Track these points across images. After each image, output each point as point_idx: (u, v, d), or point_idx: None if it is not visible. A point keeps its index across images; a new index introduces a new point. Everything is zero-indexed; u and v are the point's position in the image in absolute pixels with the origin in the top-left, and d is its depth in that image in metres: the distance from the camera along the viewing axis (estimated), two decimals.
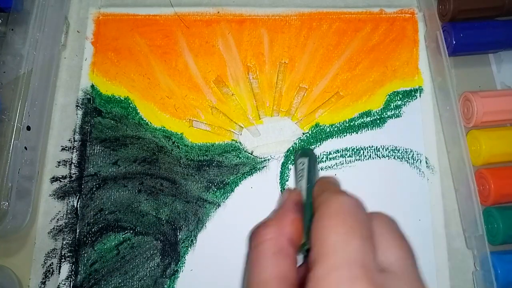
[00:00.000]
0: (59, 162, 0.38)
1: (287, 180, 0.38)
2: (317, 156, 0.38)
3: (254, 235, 0.24)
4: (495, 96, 0.38)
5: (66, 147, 0.39)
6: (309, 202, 0.26)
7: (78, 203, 0.37)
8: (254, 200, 0.37)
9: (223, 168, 0.38)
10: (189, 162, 0.38)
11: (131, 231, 0.36)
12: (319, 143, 0.39)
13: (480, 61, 0.41)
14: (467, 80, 0.41)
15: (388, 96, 0.40)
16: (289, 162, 0.38)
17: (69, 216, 0.37)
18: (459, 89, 0.38)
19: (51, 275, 0.36)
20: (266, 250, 0.23)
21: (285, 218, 0.25)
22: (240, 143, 0.39)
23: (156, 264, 0.36)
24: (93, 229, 0.36)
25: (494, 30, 0.39)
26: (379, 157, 0.38)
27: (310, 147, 0.38)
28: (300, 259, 0.26)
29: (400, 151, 0.38)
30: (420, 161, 0.38)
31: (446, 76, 0.37)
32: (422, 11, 0.41)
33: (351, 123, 0.39)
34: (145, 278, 0.35)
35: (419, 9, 0.41)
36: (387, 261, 0.20)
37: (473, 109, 0.37)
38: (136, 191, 0.37)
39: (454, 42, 0.38)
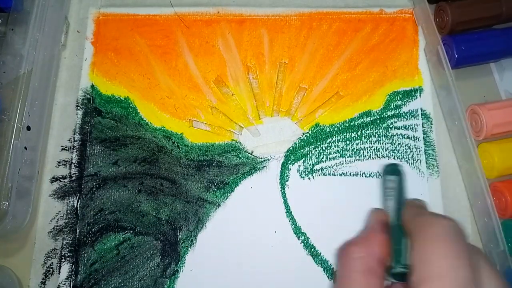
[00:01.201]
0: (59, 162, 0.38)
1: (287, 180, 0.38)
2: (319, 157, 0.38)
3: (343, 253, 0.24)
4: (502, 108, 0.37)
5: (66, 147, 0.39)
6: (398, 224, 0.26)
7: (78, 203, 0.37)
8: (254, 200, 0.37)
9: (223, 168, 0.38)
10: (189, 162, 0.38)
11: (131, 231, 0.36)
12: (319, 143, 0.39)
13: (482, 71, 0.41)
14: (471, 91, 0.40)
15: (388, 96, 0.40)
16: (289, 162, 0.38)
17: (69, 216, 0.37)
18: (463, 101, 0.37)
19: (51, 275, 0.36)
20: (356, 268, 0.23)
21: (374, 238, 0.24)
22: (240, 143, 0.39)
23: (156, 264, 0.36)
24: (93, 229, 0.36)
25: (494, 39, 0.39)
26: (379, 157, 0.38)
27: (398, 164, 0.37)
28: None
29: (400, 151, 0.38)
30: (420, 161, 0.38)
31: (451, 90, 0.37)
32: (420, 24, 0.41)
33: (351, 123, 0.39)
34: (145, 278, 0.35)
35: (417, 23, 0.41)
36: None
37: (482, 122, 0.37)
38: (136, 191, 0.37)
39: (456, 56, 0.38)
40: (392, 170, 0.29)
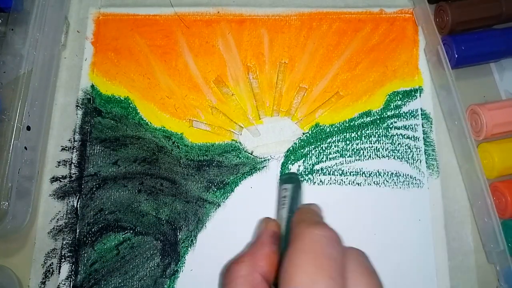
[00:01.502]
0: (59, 162, 0.38)
1: None
2: (319, 157, 0.38)
3: (227, 273, 0.23)
4: (502, 108, 0.37)
5: (66, 147, 0.39)
6: (286, 235, 0.24)
7: (78, 203, 0.37)
8: (254, 200, 0.37)
9: (223, 168, 0.38)
10: (189, 162, 0.38)
11: (131, 231, 0.36)
12: (319, 143, 0.39)
13: (481, 71, 0.41)
14: (471, 91, 0.40)
15: (388, 96, 0.40)
16: (289, 162, 0.38)
17: (69, 216, 0.37)
18: (463, 101, 0.37)
19: (51, 275, 0.36)
20: None
21: (259, 252, 0.23)
22: (240, 143, 0.39)
23: (156, 264, 0.36)
24: (93, 229, 0.36)
25: (494, 39, 0.39)
26: (379, 157, 0.38)
27: (295, 171, 0.35)
28: None
29: (400, 151, 0.38)
30: (420, 161, 0.38)
31: (451, 90, 0.37)
32: (420, 24, 0.41)
33: (351, 123, 0.39)
34: (145, 278, 0.35)
35: (417, 23, 0.41)
36: None
37: (482, 122, 0.37)
38: (136, 191, 0.37)
39: (456, 56, 0.38)
40: (288, 179, 0.28)
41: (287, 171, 0.38)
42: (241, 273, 0.23)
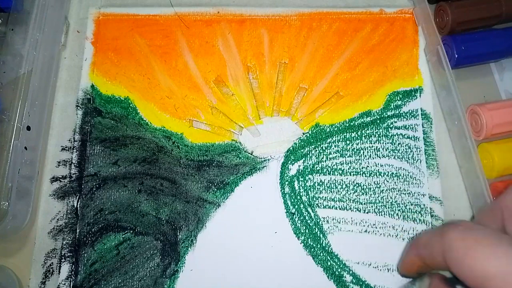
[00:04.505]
0: (59, 162, 0.38)
1: (287, 180, 0.38)
2: (319, 157, 0.38)
3: None
4: (503, 108, 0.37)
5: (66, 147, 0.39)
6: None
7: (78, 203, 0.37)
8: (254, 200, 0.37)
9: (223, 168, 0.38)
10: (189, 162, 0.38)
11: (131, 231, 0.36)
12: (319, 143, 0.39)
13: (481, 71, 0.41)
14: (471, 91, 0.40)
15: (388, 96, 0.40)
16: (289, 162, 0.38)
17: (69, 216, 0.37)
18: (463, 101, 0.37)
19: (51, 275, 0.36)
20: None
21: None
22: (240, 143, 0.39)
23: (156, 264, 0.36)
24: (93, 229, 0.36)
25: (495, 39, 0.39)
26: (379, 157, 0.38)
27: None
28: None
29: (400, 151, 0.38)
30: (420, 161, 0.38)
31: (451, 90, 0.37)
32: (420, 24, 0.41)
33: (351, 123, 0.39)
34: (145, 278, 0.35)
35: (417, 23, 0.41)
36: None
37: (482, 122, 0.37)
38: (136, 191, 0.37)
39: (457, 56, 0.38)
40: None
41: (287, 171, 0.38)
42: None
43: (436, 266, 0.25)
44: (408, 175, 0.38)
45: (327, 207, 0.37)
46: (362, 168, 0.38)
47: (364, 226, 0.37)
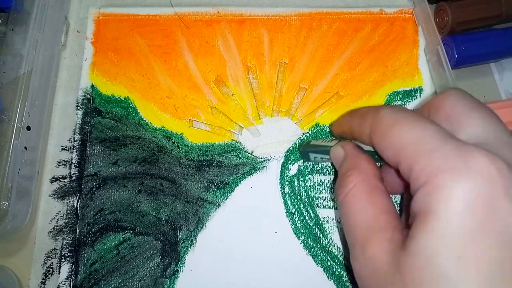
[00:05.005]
0: (59, 162, 0.38)
1: (287, 180, 0.38)
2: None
3: (339, 189, 0.24)
4: (502, 108, 0.37)
5: (66, 147, 0.39)
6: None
7: (78, 203, 0.37)
8: (254, 200, 0.37)
9: (223, 168, 0.38)
10: (189, 162, 0.38)
11: (131, 231, 0.36)
12: None
13: (481, 71, 0.41)
14: (471, 91, 0.39)
15: (388, 96, 0.40)
16: (289, 162, 0.38)
17: (69, 216, 0.37)
18: None
19: (51, 275, 0.36)
20: (358, 193, 0.23)
21: (358, 160, 0.25)
22: (240, 143, 0.39)
23: (156, 264, 0.36)
24: (93, 229, 0.36)
25: (495, 39, 0.39)
26: None
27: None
28: None
29: None
30: None
31: None
32: (420, 24, 0.41)
33: None
34: (145, 278, 0.35)
35: (417, 23, 0.41)
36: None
37: None
38: (136, 191, 0.37)
39: (457, 56, 0.38)
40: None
41: (287, 171, 0.38)
42: (353, 182, 0.24)
43: (358, 136, 0.26)
44: None
45: (327, 207, 0.37)
46: None
47: None
